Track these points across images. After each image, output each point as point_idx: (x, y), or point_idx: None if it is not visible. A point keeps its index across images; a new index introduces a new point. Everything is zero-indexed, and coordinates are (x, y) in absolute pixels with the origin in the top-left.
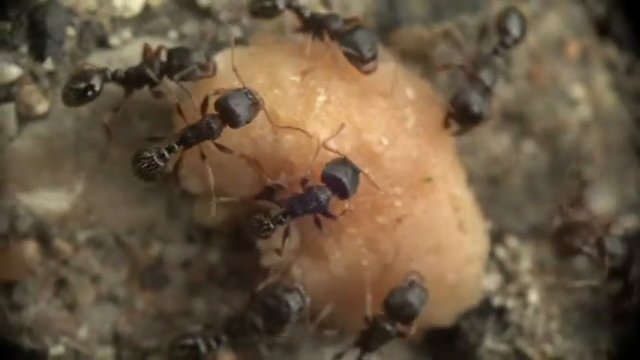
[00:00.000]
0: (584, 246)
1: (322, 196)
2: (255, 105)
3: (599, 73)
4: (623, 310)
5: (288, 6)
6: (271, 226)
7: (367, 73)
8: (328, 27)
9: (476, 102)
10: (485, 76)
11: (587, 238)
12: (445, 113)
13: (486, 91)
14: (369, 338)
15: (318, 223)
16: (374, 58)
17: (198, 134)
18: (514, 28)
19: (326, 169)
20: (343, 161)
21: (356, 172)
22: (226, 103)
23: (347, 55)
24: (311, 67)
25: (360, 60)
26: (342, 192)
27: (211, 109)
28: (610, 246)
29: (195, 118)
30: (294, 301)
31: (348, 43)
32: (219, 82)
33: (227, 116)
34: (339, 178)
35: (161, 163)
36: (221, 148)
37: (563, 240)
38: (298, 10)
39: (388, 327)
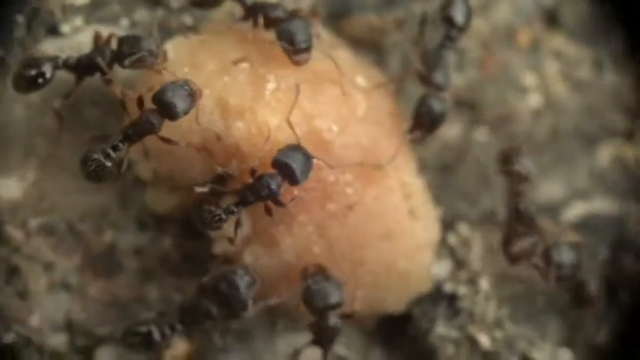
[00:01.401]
0: (529, 258)
1: (273, 184)
2: (192, 95)
3: (549, 62)
4: (583, 296)
5: None
6: (223, 216)
7: (298, 64)
8: (266, 15)
9: (438, 110)
10: (439, 78)
11: (531, 249)
12: (410, 124)
13: (442, 92)
14: (322, 337)
15: (268, 210)
16: (307, 49)
17: (139, 130)
18: (458, 15)
19: (277, 156)
20: (296, 147)
21: (308, 158)
22: (163, 96)
23: (280, 43)
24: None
25: (292, 50)
26: (292, 178)
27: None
28: (557, 257)
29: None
30: (241, 280)
31: (282, 32)
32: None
33: (164, 109)
34: (289, 164)
35: (108, 163)
36: (166, 140)
37: (506, 251)
38: None
39: (330, 322)
